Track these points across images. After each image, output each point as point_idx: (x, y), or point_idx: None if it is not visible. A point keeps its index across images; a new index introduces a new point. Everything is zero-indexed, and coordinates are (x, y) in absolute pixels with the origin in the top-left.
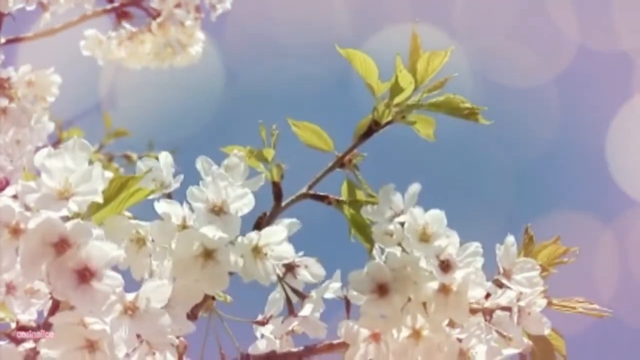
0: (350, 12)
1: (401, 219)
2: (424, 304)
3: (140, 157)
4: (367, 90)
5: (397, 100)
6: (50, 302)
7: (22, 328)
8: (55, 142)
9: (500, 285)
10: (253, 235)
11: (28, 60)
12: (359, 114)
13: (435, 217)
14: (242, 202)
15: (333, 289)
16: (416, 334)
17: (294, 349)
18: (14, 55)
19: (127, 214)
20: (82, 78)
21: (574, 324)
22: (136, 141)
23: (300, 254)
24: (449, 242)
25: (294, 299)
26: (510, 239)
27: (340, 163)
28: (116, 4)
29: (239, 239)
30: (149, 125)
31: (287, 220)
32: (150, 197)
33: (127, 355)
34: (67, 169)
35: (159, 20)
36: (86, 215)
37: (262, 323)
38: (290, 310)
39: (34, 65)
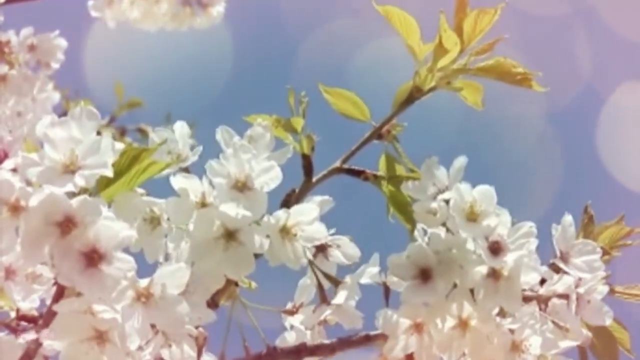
0: None
1: (446, 195)
2: (472, 291)
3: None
4: (408, 53)
5: (441, 63)
6: (54, 288)
7: (22, 317)
8: (61, 114)
9: (556, 270)
10: (281, 214)
11: (30, 23)
12: (398, 79)
13: (484, 194)
14: (268, 177)
15: (370, 274)
16: (463, 324)
17: (327, 341)
18: (15, 16)
19: (140, 190)
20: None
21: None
22: (152, 113)
23: (332, 231)
24: (499, 222)
25: (327, 285)
26: (568, 218)
27: (377, 134)
28: None
29: (265, 218)
30: (165, 95)
31: (318, 198)
32: (166, 171)
33: (141, 347)
34: (73, 139)
35: None
36: (94, 191)
37: (291, 312)
38: (323, 297)
39: (37, 27)
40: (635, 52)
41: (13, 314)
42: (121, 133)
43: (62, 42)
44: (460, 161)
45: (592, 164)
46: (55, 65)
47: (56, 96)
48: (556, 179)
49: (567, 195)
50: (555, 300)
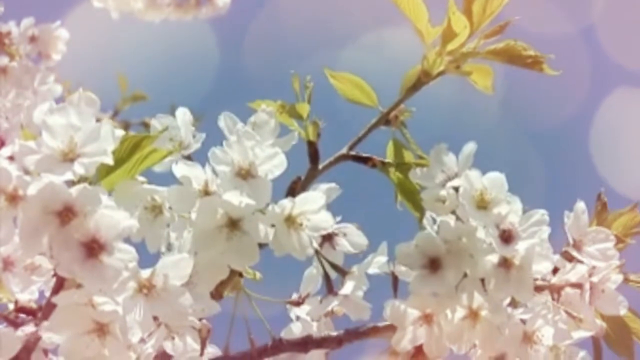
0: None
1: (455, 183)
2: (482, 281)
3: None
4: (416, 36)
5: (450, 47)
6: (53, 280)
7: (21, 309)
8: None
9: (569, 258)
10: (286, 202)
11: (31, 13)
12: (406, 63)
13: (494, 181)
14: (273, 164)
15: (378, 263)
16: (473, 315)
17: (334, 333)
18: (15, 7)
19: (141, 178)
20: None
21: None
22: (156, 106)
23: (339, 220)
24: (510, 209)
25: (334, 275)
26: (581, 205)
27: (385, 120)
28: None
29: (270, 206)
30: (170, 87)
31: (324, 186)
32: (168, 159)
33: (143, 340)
34: (72, 126)
35: None
36: (94, 179)
37: (297, 303)
38: (329, 288)
39: (38, 18)
40: (630, 68)
41: (11, 306)
42: (125, 127)
43: (64, 33)
44: (470, 148)
45: (586, 171)
46: (57, 57)
47: (58, 89)
48: (550, 184)
49: (561, 199)
50: (568, 290)
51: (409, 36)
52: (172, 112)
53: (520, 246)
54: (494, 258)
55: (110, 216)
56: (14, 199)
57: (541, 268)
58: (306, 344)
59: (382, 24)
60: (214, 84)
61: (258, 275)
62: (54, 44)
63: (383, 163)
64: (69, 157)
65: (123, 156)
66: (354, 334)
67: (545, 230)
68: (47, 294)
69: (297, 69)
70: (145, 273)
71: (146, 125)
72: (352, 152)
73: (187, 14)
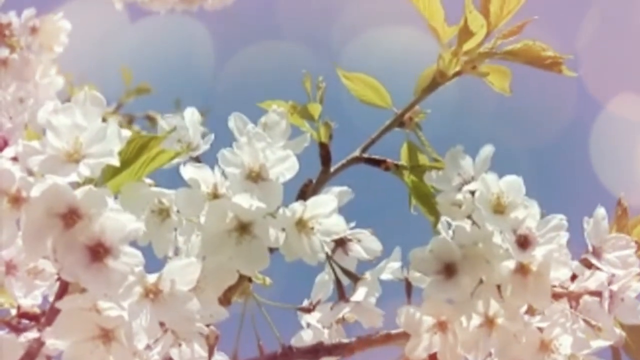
0: None
1: (471, 186)
2: (498, 287)
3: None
4: (431, 36)
5: (466, 47)
6: (57, 284)
7: (24, 315)
8: (65, 100)
9: (588, 265)
10: (297, 206)
11: (32, 4)
12: (421, 63)
13: (511, 185)
14: (284, 167)
15: (391, 269)
16: (489, 322)
17: (345, 340)
18: None
19: (148, 180)
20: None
21: None
22: (160, 99)
23: (352, 225)
24: (527, 214)
25: (346, 281)
26: (601, 211)
27: (399, 121)
28: None
29: (281, 210)
30: (173, 81)
31: (337, 189)
32: (175, 160)
33: (149, 346)
34: (77, 126)
35: None
36: (100, 181)
37: (308, 310)
38: (341, 294)
39: (40, 9)
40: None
41: (14, 312)
42: (128, 121)
43: (66, 25)
44: (487, 150)
45: (588, 179)
46: (59, 49)
47: (60, 81)
48: (553, 194)
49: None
50: (586, 298)
51: (424, 35)
52: (177, 107)
53: (538, 252)
54: (510, 264)
55: (116, 219)
56: (17, 200)
57: (559, 275)
58: (317, 351)
59: (395, 22)
60: (218, 78)
61: (268, 280)
62: (56, 35)
63: (397, 166)
64: (74, 158)
65: (130, 157)
66: (366, 341)
67: (564, 236)
68: (51, 298)
69: (306, 67)
70: (151, 278)
71: (150, 119)
72: (365, 155)
73: (192, 5)
